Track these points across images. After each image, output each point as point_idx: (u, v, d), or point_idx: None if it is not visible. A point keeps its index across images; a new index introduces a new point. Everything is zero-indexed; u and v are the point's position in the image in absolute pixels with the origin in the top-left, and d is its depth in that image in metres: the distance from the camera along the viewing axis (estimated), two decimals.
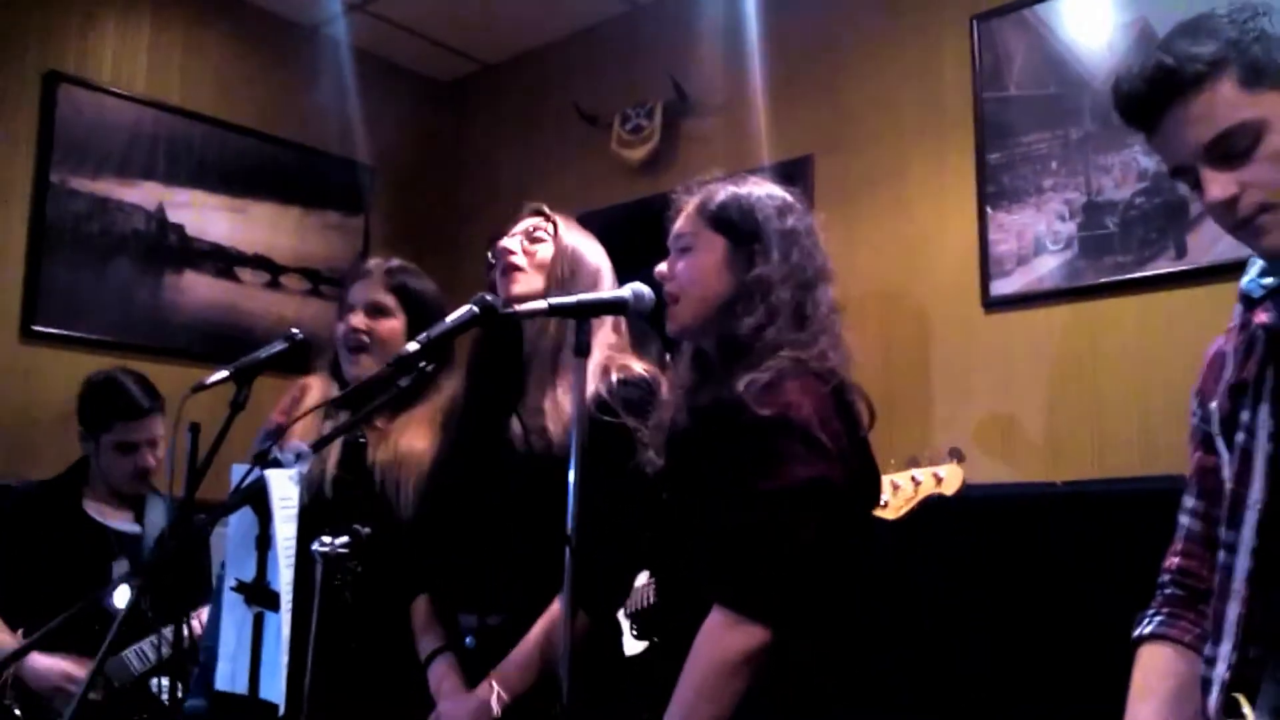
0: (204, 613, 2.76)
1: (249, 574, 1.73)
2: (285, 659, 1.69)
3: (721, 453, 1.71)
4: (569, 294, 1.84)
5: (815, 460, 1.64)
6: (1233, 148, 1.26)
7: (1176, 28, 1.32)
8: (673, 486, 1.81)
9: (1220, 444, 1.38)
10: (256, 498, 1.75)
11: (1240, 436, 1.34)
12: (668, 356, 1.95)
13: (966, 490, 2.61)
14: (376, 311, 2.37)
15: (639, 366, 2.03)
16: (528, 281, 2.07)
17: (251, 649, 1.73)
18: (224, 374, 2.06)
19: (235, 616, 1.79)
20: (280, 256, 4.53)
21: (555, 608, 1.90)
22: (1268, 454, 1.30)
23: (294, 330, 2.25)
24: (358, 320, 2.36)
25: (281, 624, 1.69)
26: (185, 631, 2.64)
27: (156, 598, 2.69)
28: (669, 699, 1.64)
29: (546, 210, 2.17)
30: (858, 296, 3.37)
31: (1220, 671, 1.31)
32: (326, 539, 1.80)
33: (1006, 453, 3.37)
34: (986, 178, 3.51)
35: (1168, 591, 1.49)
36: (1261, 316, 1.34)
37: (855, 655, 1.77)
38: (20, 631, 2.84)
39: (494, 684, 1.88)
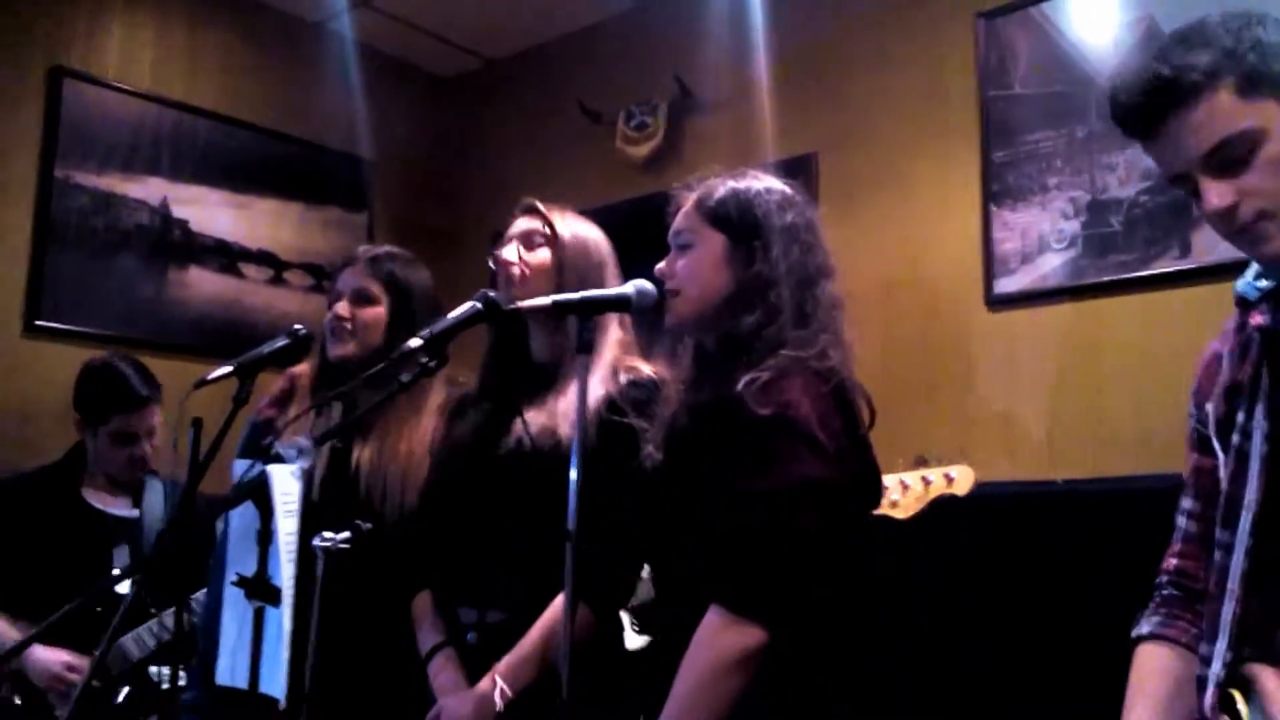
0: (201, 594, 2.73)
1: (250, 569, 1.74)
2: (286, 654, 1.69)
3: (720, 451, 1.70)
4: (573, 291, 1.84)
5: (814, 459, 1.63)
6: (1231, 156, 1.27)
7: (1172, 36, 1.32)
8: (671, 483, 1.81)
9: (1216, 445, 1.39)
10: (258, 492, 1.75)
11: (1236, 438, 1.35)
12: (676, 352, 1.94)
13: None
14: (361, 299, 2.37)
15: (647, 368, 2.03)
16: (530, 291, 2.02)
17: (252, 644, 1.73)
18: (227, 369, 2.07)
19: (236, 611, 1.80)
20: (284, 252, 4.53)
21: (559, 603, 1.90)
22: (1263, 455, 1.31)
23: (297, 326, 2.27)
24: (341, 307, 2.36)
25: (283, 619, 1.69)
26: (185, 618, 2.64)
27: (156, 588, 2.69)
28: (666, 695, 1.64)
29: (540, 208, 2.14)
30: (861, 294, 3.35)
31: (1215, 670, 1.32)
32: (328, 534, 1.80)
33: (1008, 451, 3.37)
34: (991, 175, 3.51)
35: (1165, 592, 1.50)
36: (1257, 319, 1.35)
37: (854, 654, 1.77)
38: (20, 623, 2.84)
39: (497, 678, 1.88)
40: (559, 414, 1.97)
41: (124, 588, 2.80)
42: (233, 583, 1.76)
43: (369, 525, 1.89)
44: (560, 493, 1.64)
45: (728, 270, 1.80)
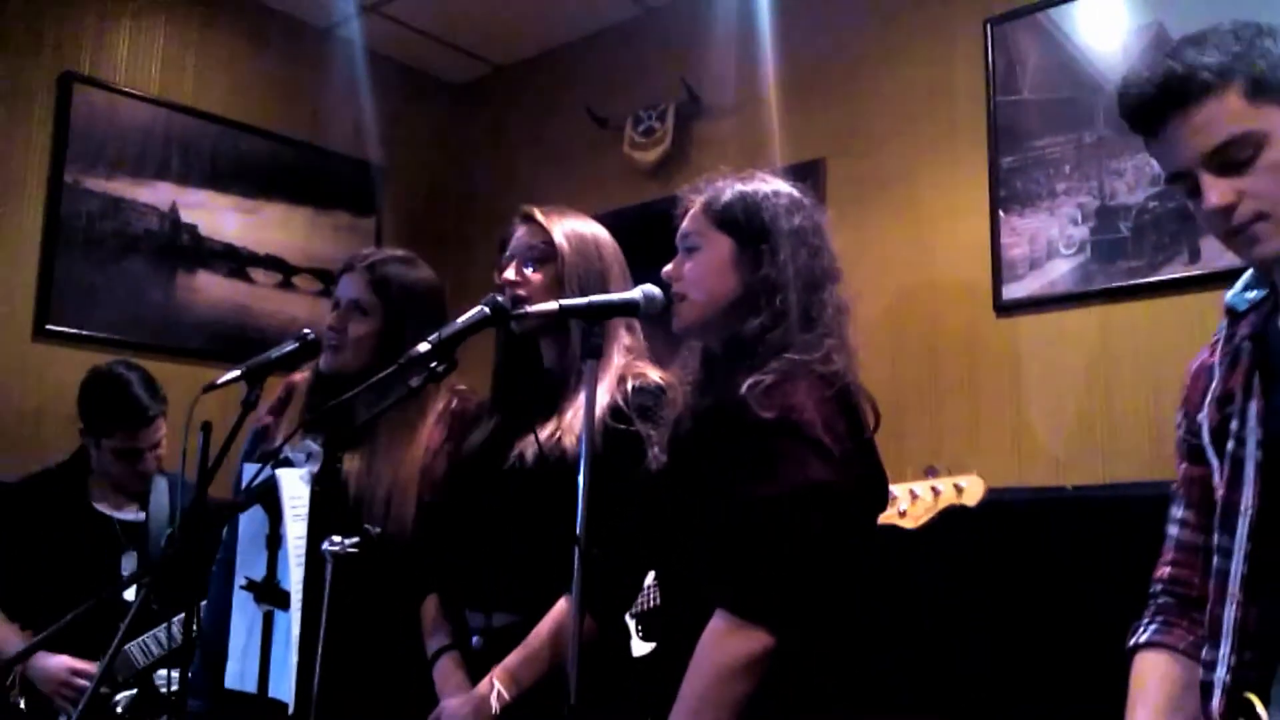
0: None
1: (259, 573, 1.74)
2: (295, 658, 1.69)
3: (724, 454, 1.70)
4: (584, 296, 1.84)
5: (819, 463, 1.63)
6: (1234, 156, 1.30)
7: (1184, 39, 1.36)
8: (675, 487, 1.81)
9: (1211, 453, 1.42)
10: (267, 497, 1.75)
11: (1231, 445, 1.37)
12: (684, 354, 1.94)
13: None
14: (354, 309, 2.34)
15: (655, 374, 2.02)
16: (540, 305, 2.00)
17: (261, 648, 1.73)
18: (236, 374, 2.07)
19: (245, 615, 1.80)
20: (292, 257, 4.54)
21: (559, 607, 1.91)
22: (1258, 461, 1.33)
23: (305, 330, 2.26)
24: (333, 318, 2.35)
25: (291, 623, 1.69)
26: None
27: (163, 593, 2.68)
28: (672, 700, 1.63)
29: (538, 217, 2.12)
30: (869, 300, 3.35)
31: (1220, 674, 1.33)
32: (337, 538, 1.80)
33: (1017, 457, 3.36)
34: (999, 181, 3.50)
35: (1161, 600, 1.52)
36: (1246, 329, 1.40)
37: (860, 659, 1.77)
38: (28, 629, 2.83)
39: (495, 681, 1.88)
40: (564, 426, 1.97)
41: (130, 594, 2.80)
42: (242, 587, 1.76)
43: (378, 530, 1.89)
44: (564, 501, 1.64)
45: (735, 273, 1.79)
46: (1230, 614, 1.33)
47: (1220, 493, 1.38)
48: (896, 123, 3.80)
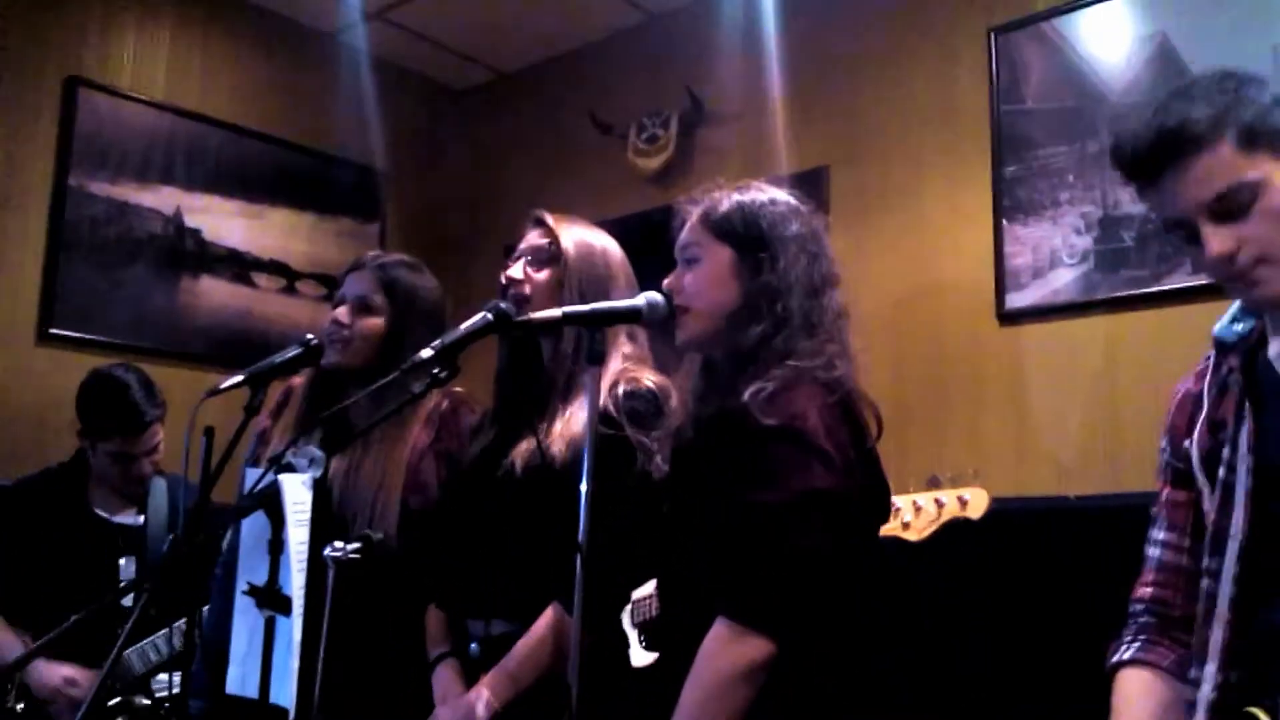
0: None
1: (261, 578, 1.74)
2: (296, 664, 1.69)
3: (726, 462, 1.69)
4: (584, 303, 1.84)
5: (821, 470, 1.63)
6: (1233, 205, 1.34)
7: (1171, 93, 1.41)
8: (677, 496, 1.81)
9: (1202, 478, 1.46)
10: (269, 501, 1.75)
11: (1222, 471, 1.42)
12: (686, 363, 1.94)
13: None
14: (362, 307, 2.34)
15: (649, 379, 2.02)
16: (537, 308, 2.00)
17: (263, 653, 1.73)
18: (239, 379, 2.07)
19: (247, 620, 1.80)
20: (296, 262, 4.55)
21: (546, 615, 1.91)
22: (1248, 488, 1.38)
23: (309, 335, 2.27)
24: (341, 313, 2.34)
25: (293, 628, 1.69)
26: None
27: (163, 599, 2.67)
28: (673, 708, 1.63)
29: (548, 221, 2.14)
30: (872, 308, 3.36)
31: (1206, 692, 1.37)
32: (339, 544, 1.80)
33: (1020, 466, 3.36)
34: (1002, 190, 3.50)
35: (1142, 620, 1.55)
36: (1234, 360, 1.45)
37: (862, 667, 1.77)
38: (28, 634, 2.83)
39: (483, 690, 1.89)
40: (553, 433, 1.98)
41: (130, 599, 2.79)
42: (244, 592, 1.76)
43: (379, 536, 1.89)
44: (551, 508, 1.65)
45: (735, 283, 1.80)
46: (1218, 634, 1.37)
47: (1211, 517, 1.42)
48: (900, 131, 3.80)
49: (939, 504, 2.51)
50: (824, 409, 1.68)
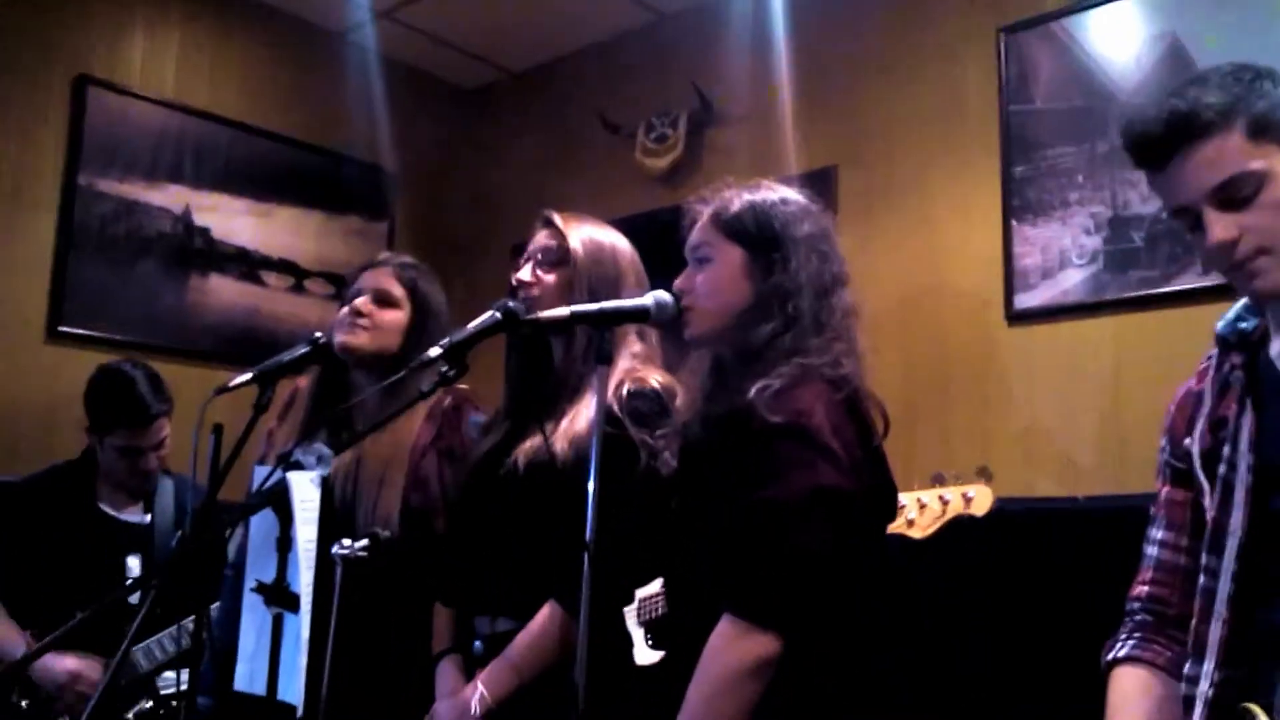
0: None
1: (269, 575, 1.74)
2: (304, 661, 1.69)
3: (733, 460, 1.70)
4: (594, 301, 1.84)
5: (827, 468, 1.63)
6: (1238, 193, 1.35)
7: (1186, 79, 1.42)
8: (683, 494, 1.81)
9: (1201, 477, 1.47)
10: (278, 499, 1.76)
11: (1222, 469, 1.42)
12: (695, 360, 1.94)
13: None
14: (383, 300, 2.36)
15: (655, 378, 2.02)
16: (546, 309, 1.99)
17: (271, 650, 1.74)
18: (248, 376, 2.08)
19: (255, 617, 1.80)
20: (304, 260, 4.56)
21: (543, 613, 1.92)
22: (1248, 486, 1.39)
23: (317, 334, 2.27)
24: (362, 302, 2.35)
25: (301, 626, 1.69)
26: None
27: (169, 596, 2.68)
28: (678, 707, 1.63)
29: (556, 221, 2.14)
30: (880, 308, 3.34)
31: (1203, 688, 1.37)
32: (346, 542, 1.81)
33: (1028, 467, 3.35)
34: (1011, 190, 3.50)
35: (1138, 618, 1.56)
36: (1237, 358, 1.46)
37: (867, 666, 1.77)
38: (30, 632, 2.83)
39: (479, 685, 1.90)
40: (558, 432, 1.98)
41: (136, 597, 2.80)
42: (252, 589, 1.77)
43: (387, 534, 1.89)
44: (553, 506, 1.67)
45: (747, 283, 1.80)
46: (1216, 631, 1.38)
47: (1210, 515, 1.43)
48: (909, 131, 3.79)
49: (944, 501, 2.50)
50: (830, 406, 1.68)
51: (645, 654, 2.07)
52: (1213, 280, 3.05)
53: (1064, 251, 3.37)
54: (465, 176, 5.13)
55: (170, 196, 4.17)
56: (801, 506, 1.61)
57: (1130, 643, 1.55)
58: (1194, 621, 1.42)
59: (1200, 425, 1.49)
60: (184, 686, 2.77)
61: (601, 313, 1.78)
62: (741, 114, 4.24)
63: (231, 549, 2.33)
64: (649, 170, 4.41)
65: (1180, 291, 3.13)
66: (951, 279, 3.62)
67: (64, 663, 2.78)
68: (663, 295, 1.82)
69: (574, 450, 1.93)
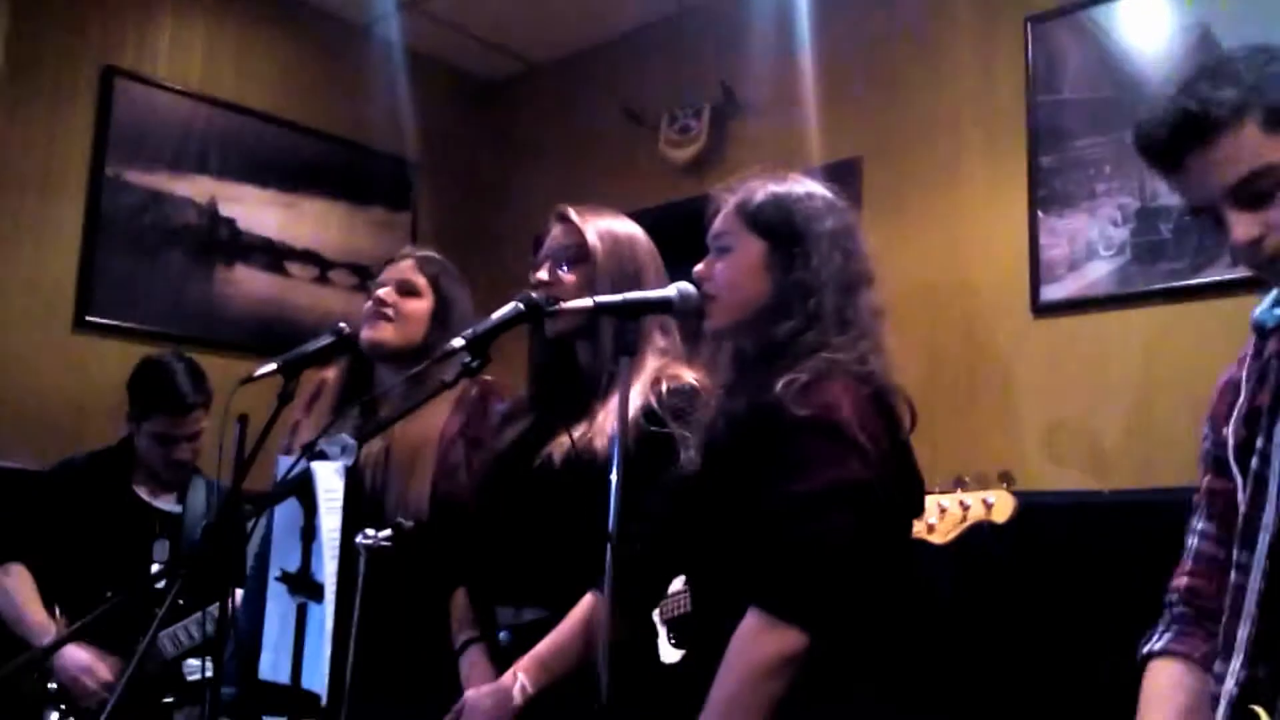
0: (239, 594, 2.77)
1: (294, 565, 1.75)
2: (328, 650, 1.70)
3: (758, 454, 1.68)
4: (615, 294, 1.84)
5: (854, 462, 1.61)
6: (1257, 190, 1.29)
7: (1196, 72, 1.34)
8: (709, 490, 1.80)
9: (1235, 469, 1.41)
10: (302, 489, 1.76)
11: (1255, 462, 1.37)
12: (716, 356, 1.93)
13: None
14: (406, 290, 2.38)
15: (689, 375, 2.02)
16: (571, 312, 1.96)
17: (295, 639, 1.74)
18: (273, 366, 2.09)
19: (279, 607, 1.81)
20: (329, 251, 4.58)
21: (585, 603, 1.91)
22: None
23: (341, 324, 2.29)
24: (386, 292, 2.37)
25: (325, 615, 1.70)
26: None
27: (194, 584, 2.71)
28: (703, 703, 1.62)
29: (572, 217, 2.12)
30: (905, 300, 3.34)
31: (1229, 687, 1.33)
32: (370, 531, 1.81)
33: (1054, 460, 3.33)
34: (1038, 181, 3.47)
35: (1176, 610, 1.51)
36: (1275, 345, 1.39)
37: (892, 660, 1.76)
38: (56, 603, 2.90)
39: (519, 674, 1.88)
40: (595, 427, 1.97)
41: (163, 583, 2.84)
42: (276, 578, 1.78)
43: (410, 524, 1.90)
44: (592, 500, 1.64)
45: (767, 276, 1.78)
46: (1245, 629, 1.33)
47: (1243, 509, 1.38)
48: (934, 122, 3.77)
49: (964, 507, 2.49)
50: (857, 401, 1.66)
51: (668, 652, 2.07)
52: (1242, 272, 3.00)
53: (1091, 243, 3.34)
54: (488, 168, 5.14)
55: (196, 187, 4.20)
56: (828, 500, 1.60)
57: (1167, 635, 1.51)
58: (1224, 618, 1.38)
59: (1235, 415, 1.43)
60: (209, 674, 2.82)
61: (625, 303, 1.77)
62: (765, 105, 4.23)
63: (255, 539, 2.35)
64: (672, 161, 4.40)
65: (1209, 284, 3.10)
66: (977, 271, 3.60)
67: (78, 659, 2.82)
68: (686, 286, 1.81)
69: (616, 445, 1.91)
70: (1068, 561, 3.04)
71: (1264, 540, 1.33)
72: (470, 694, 1.94)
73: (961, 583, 2.96)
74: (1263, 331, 1.44)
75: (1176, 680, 1.47)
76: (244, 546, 2.37)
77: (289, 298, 4.43)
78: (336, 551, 1.74)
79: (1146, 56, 3.31)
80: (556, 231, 2.13)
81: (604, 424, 1.96)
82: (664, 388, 1.97)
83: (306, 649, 1.74)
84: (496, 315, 1.87)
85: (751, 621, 1.60)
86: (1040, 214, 3.45)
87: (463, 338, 1.80)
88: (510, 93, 5.24)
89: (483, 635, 2.05)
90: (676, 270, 1.98)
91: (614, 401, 1.92)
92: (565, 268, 2.08)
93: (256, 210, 4.37)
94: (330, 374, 2.45)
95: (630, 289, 1.93)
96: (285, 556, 1.79)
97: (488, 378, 2.34)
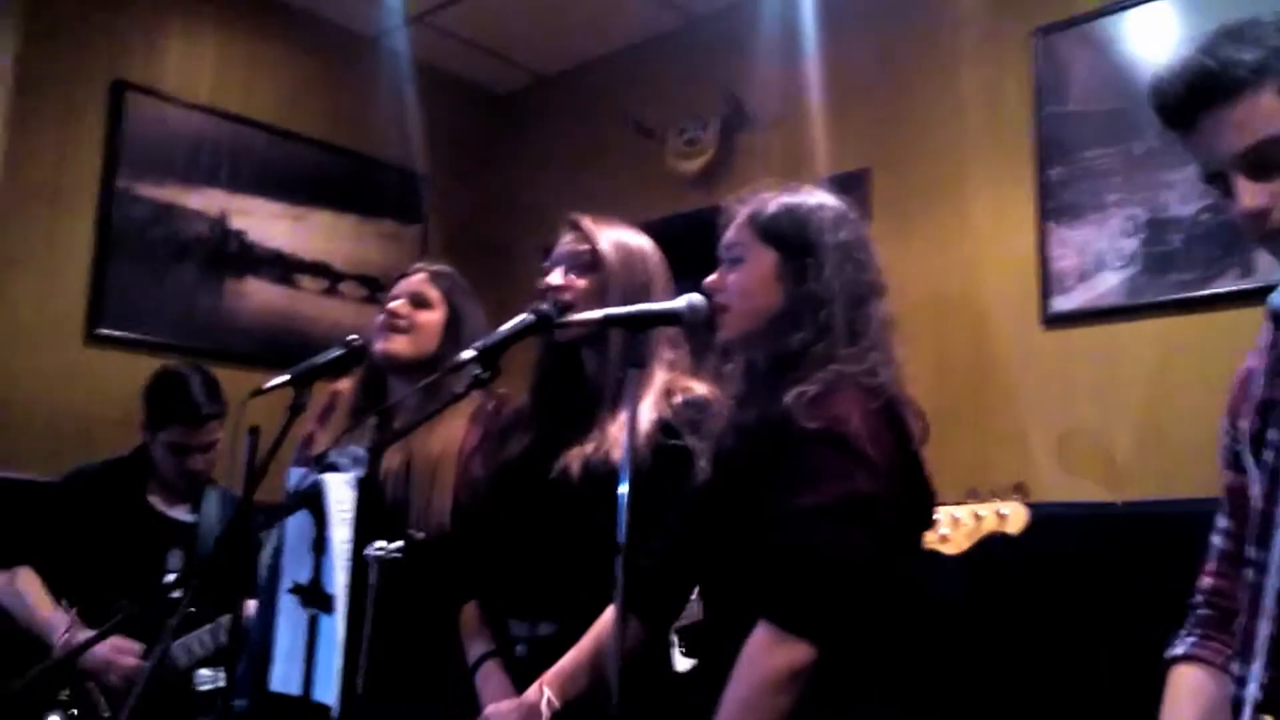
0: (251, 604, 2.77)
1: (305, 576, 1.75)
2: (339, 661, 1.70)
3: (768, 466, 1.68)
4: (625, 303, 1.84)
5: (863, 475, 1.61)
6: (1268, 158, 1.23)
7: (1220, 30, 1.28)
8: (719, 502, 1.80)
9: (1249, 462, 1.36)
10: (313, 501, 1.77)
11: (1269, 455, 1.32)
12: (728, 367, 1.92)
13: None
14: (419, 302, 2.40)
15: (700, 387, 2.02)
16: (581, 324, 1.98)
17: (306, 651, 1.74)
18: (283, 379, 2.10)
19: (290, 618, 1.81)
20: (338, 264, 4.59)
21: (608, 616, 1.90)
22: None
23: (352, 336, 2.29)
24: (399, 305, 2.38)
25: (336, 627, 1.70)
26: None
27: (206, 594, 2.72)
28: (713, 716, 1.62)
29: (584, 225, 2.12)
30: (913, 312, 3.33)
31: (1252, 691, 1.29)
32: (381, 543, 1.81)
33: (1065, 472, 3.32)
34: (1047, 192, 3.46)
35: (1200, 612, 1.48)
36: None
37: (903, 672, 1.75)
38: (74, 609, 2.88)
39: (545, 688, 1.87)
40: (611, 438, 1.96)
41: (178, 592, 2.85)
42: (288, 590, 1.78)
43: (421, 535, 1.90)
44: (612, 514, 1.63)
45: (778, 287, 1.78)
46: (1264, 630, 1.29)
47: (1257, 504, 1.33)
48: (942, 133, 3.77)
49: (977, 517, 2.49)
50: (867, 413, 1.66)
51: (678, 661, 2.07)
52: (1253, 283, 3.01)
53: (1101, 254, 3.34)
54: (497, 180, 5.15)
55: (206, 200, 4.21)
56: (837, 513, 1.59)
57: (1190, 640, 1.47)
58: (1242, 619, 1.34)
59: (1249, 406, 1.38)
60: (221, 684, 2.82)
61: (635, 315, 1.77)
62: (773, 116, 4.23)
63: (267, 550, 2.35)
64: (680, 173, 4.41)
65: (1219, 295, 3.09)
66: (986, 282, 3.60)
67: (97, 651, 2.81)
68: (696, 298, 1.81)
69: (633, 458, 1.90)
70: (1081, 573, 3.03)
71: (1279, 537, 1.29)
72: (492, 709, 1.92)
73: (975, 594, 2.95)
74: (1278, 319, 1.39)
75: (1197, 687, 1.43)
76: (256, 558, 2.38)
77: (299, 310, 4.44)
78: (348, 563, 1.74)
79: (1154, 67, 3.30)
80: (568, 239, 2.14)
81: (618, 436, 1.95)
82: (678, 400, 1.97)
83: (318, 661, 1.74)
84: (506, 327, 1.88)
85: (760, 635, 1.60)
86: (1049, 225, 3.44)
87: (473, 349, 1.80)
88: (519, 105, 5.26)
89: (498, 650, 2.04)
90: (686, 281, 1.98)
91: (625, 412, 1.92)
92: (576, 273, 2.08)
93: (266, 223, 4.38)
94: (343, 386, 2.45)
95: (640, 300, 1.93)
96: (297, 568, 1.80)
97: (503, 390, 2.34)
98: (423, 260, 2.66)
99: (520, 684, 1.94)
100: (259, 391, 2.05)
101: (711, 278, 1.85)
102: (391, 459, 2.24)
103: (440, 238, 4.87)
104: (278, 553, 2.11)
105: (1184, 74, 1.27)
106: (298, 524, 1.82)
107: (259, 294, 4.33)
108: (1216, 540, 1.48)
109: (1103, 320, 3.32)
